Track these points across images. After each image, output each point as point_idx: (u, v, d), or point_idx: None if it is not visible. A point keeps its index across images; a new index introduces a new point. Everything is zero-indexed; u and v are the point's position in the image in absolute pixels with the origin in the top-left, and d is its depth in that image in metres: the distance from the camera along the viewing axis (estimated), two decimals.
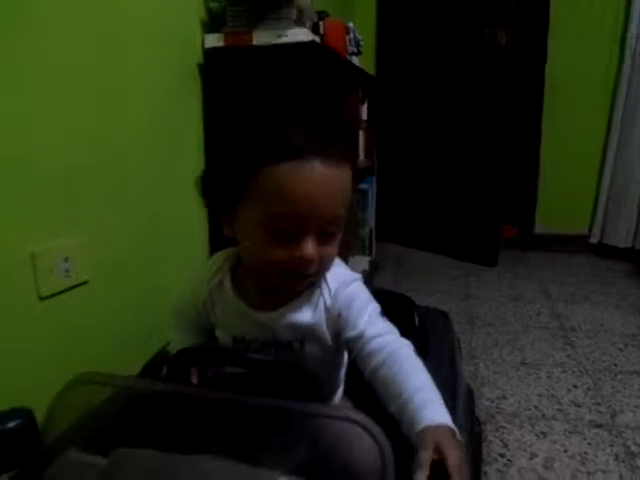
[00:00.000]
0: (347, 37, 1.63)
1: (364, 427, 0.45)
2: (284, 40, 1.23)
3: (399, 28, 2.91)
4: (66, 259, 0.82)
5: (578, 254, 2.91)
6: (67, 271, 0.82)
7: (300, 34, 1.23)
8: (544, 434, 1.24)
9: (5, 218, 0.75)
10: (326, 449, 0.49)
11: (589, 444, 1.20)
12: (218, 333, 0.72)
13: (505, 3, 2.44)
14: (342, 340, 0.66)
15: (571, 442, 1.21)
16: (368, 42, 2.45)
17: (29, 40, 0.80)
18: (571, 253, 2.92)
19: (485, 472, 1.09)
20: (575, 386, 1.47)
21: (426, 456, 0.48)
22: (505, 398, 1.41)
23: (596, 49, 2.75)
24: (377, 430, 0.45)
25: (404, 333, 0.87)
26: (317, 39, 1.31)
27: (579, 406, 1.37)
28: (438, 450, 0.49)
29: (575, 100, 2.83)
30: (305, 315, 0.66)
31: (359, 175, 2.04)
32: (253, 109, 0.63)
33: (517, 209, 3.12)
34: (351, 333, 0.64)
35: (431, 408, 0.54)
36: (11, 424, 0.50)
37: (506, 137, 2.60)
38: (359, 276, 0.70)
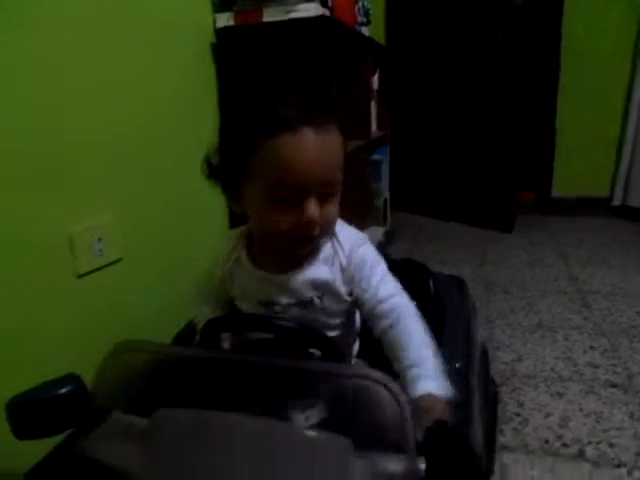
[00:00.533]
0: (356, 6, 1.62)
1: (384, 385, 0.49)
2: (294, 16, 1.24)
3: None
4: (99, 239, 0.87)
5: (599, 217, 2.86)
6: (101, 250, 0.87)
7: (309, 9, 1.23)
8: (560, 394, 1.27)
9: (45, 201, 0.80)
10: (348, 407, 0.53)
11: (604, 403, 1.23)
12: (242, 305, 0.76)
13: None
14: (355, 298, 0.72)
15: (587, 401, 1.24)
16: (377, 10, 2.40)
17: (48, 31, 0.83)
18: (592, 216, 2.87)
19: (501, 430, 1.13)
20: (592, 348, 1.49)
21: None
22: (520, 361, 1.43)
23: (616, 7, 2.65)
24: (396, 388, 0.48)
25: (420, 300, 0.90)
26: (326, 12, 1.30)
27: (596, 367, 1.39)
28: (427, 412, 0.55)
29: (595, 57, 2.74)
30: (323, 271, 0.71)
31: (372, 145, 2.04)
32: (254, 87, 0.66)
33: (534, 172, 3.07)
34: (365, 294, 0.70)
35: (423, 381, 0.61)
36: (64, 389, 0.56)
37: (522, 99, 2.55)
38: (367, 236, 0.76)
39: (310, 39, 1.25)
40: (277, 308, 0.72)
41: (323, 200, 0.63)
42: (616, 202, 2.86)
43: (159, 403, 0.56)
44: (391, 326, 0.67)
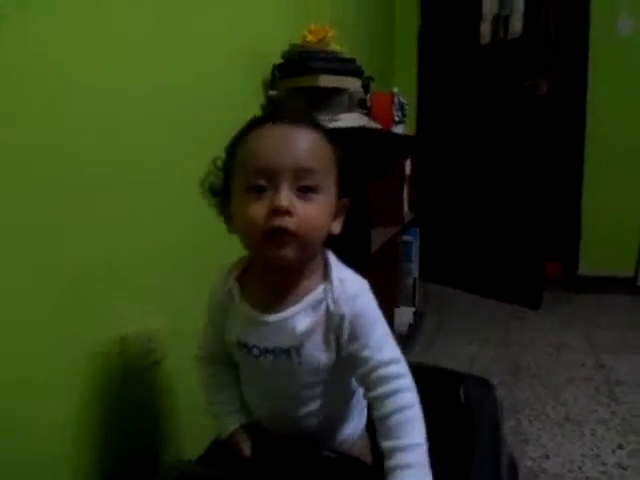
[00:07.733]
0: (392, 106, 1.75)
1: None
2: (337, 125, 1.36)
3: (440, 82, 3.06)
4: (150, 340, 0.95)
5: (625, 296, 2.87)
6: (150, 350, 0.95)
7: (351, 119, 1.36)
8: None
9: (102, 310, 0.87)
10: None
11: None
12: (226, 337, 0.74)
13: (544, 54, 2.51)
14: (345, 354, 0.68)
15: None
16: (410, 99, 2.56)
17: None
18: (618, 295, 2.88)
19: None
20: (620, 446, 1.47)
21: None
22: (548, 458, 1.42)
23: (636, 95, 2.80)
24: None
25: (449, 409, 0.95)
26: (366, 121, 1.43)
27: (625, 469, 1.37)
28: None
29: (618, 136, 2.87)
30: (304, 320, 0.67)
31: (403, 228, 2.13)
32: None
33: (561, 249, 3.12)
34: (362, 351, 0.66)
35: (407, 470, 0.61)
36: None
37: (547, 179, 2.64)
38: (367, 283, 0.71)
39: (349, 144, 1.37)
40: (255, 351, 0.70)
41: (302, 194, 0.63)
42: None
43: None
44: (390, 415, 0.63)
